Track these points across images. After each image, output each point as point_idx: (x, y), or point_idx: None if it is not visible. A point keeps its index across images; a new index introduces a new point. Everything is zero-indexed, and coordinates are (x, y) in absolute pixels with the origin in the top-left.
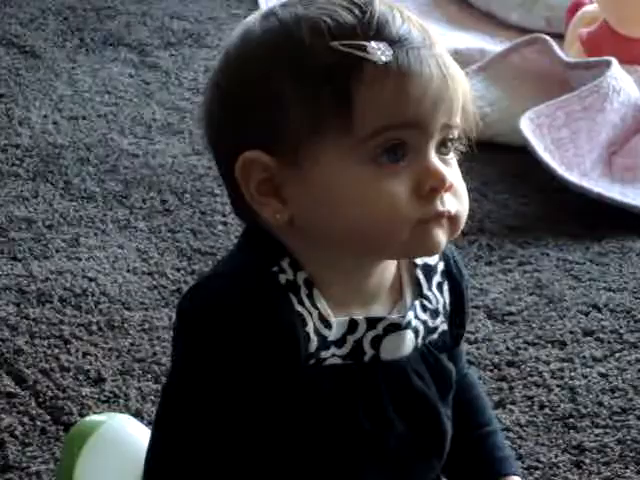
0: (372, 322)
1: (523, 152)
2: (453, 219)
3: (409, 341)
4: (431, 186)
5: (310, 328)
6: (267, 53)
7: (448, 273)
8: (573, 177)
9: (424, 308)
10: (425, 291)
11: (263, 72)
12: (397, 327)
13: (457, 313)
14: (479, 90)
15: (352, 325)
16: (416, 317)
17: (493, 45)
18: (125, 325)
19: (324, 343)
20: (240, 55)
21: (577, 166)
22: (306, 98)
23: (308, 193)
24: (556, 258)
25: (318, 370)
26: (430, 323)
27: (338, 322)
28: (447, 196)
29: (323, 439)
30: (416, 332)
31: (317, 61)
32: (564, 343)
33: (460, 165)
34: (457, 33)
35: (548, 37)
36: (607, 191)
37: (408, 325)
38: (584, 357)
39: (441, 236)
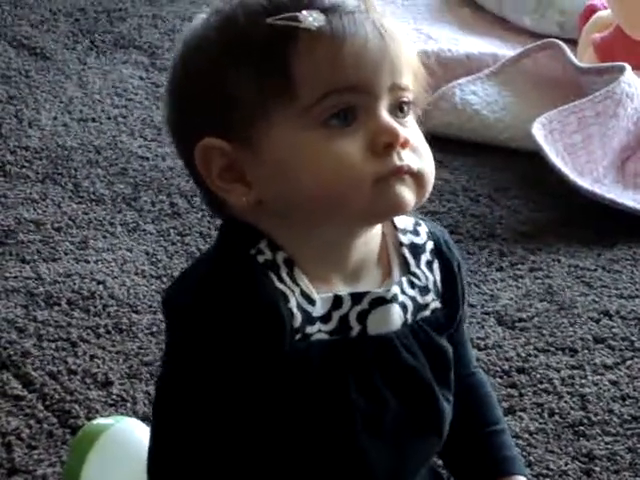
0: (357, 297)
1: (535, 157)
2: (417, 176)
3: (396, 315)
4: (384, 142)
5: (293, 304)
6: (207, 43)
7: (438, 252)
8: (585, 183)
9: (412, 284)
10: (413, 268)
11: (205, 61)
12: (383, 301)
13: (449, 291)
14: (491, 95)
15: (337, 301)
16: (403, 292)
17: (505, 50)
18: (133, 328)
19: (308, 319)
20: (184, 53)
21: (589, 172)
22: (248, 79)
23: (268, 171)
24: (567, 264)
25: (306, 345)
26: (420, 300)
27: (322, 298)
28: (406, 153)
29: (317, 415)
30: (404, 307)
31: (254, 41)
32: (575, 350)
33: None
34: (469, 37)
35: (561, 42)
36: (619, 197)
37: (394, 299)
38: (595, 364)
39: (405, 193)
